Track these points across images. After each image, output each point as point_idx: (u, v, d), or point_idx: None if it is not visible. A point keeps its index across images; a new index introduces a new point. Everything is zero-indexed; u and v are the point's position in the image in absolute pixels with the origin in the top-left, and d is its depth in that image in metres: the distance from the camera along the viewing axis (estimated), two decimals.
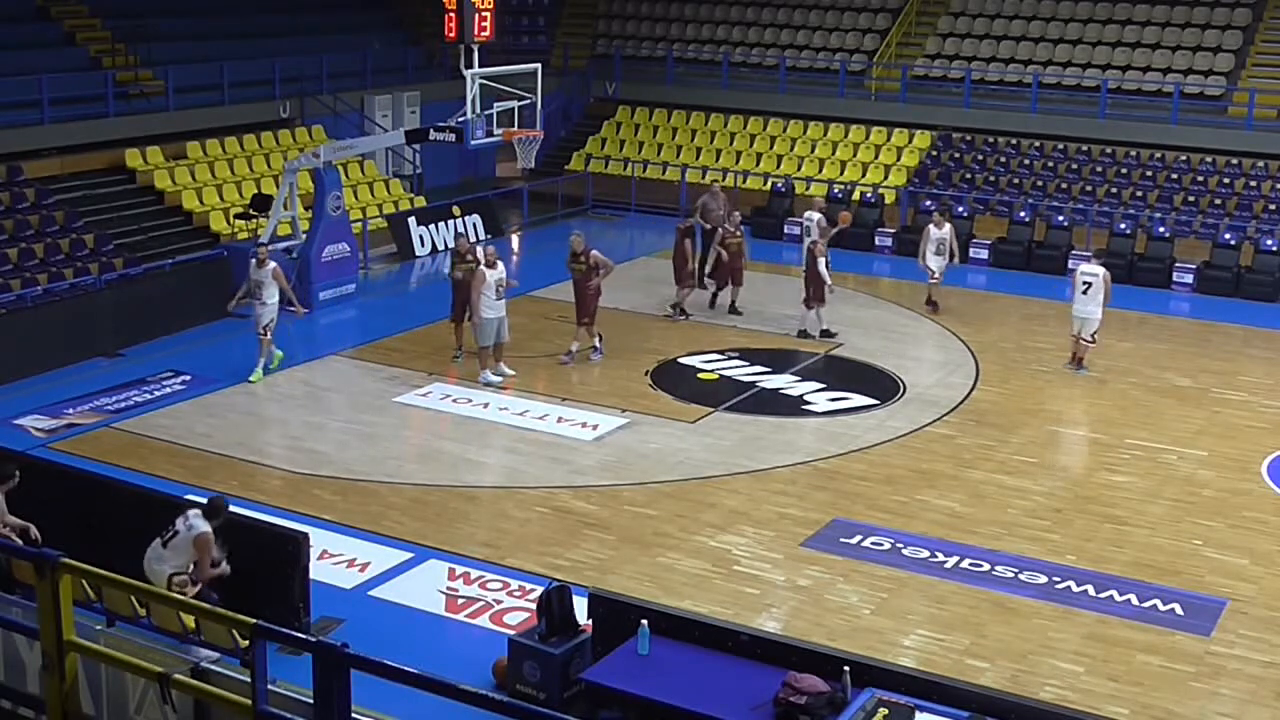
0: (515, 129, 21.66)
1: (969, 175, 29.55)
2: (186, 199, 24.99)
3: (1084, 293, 19.14)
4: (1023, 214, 26.66)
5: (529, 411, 17.42)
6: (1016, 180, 29.05)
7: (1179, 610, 12.48)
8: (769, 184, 29.40)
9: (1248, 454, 16.43)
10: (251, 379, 18.30)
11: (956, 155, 30.18)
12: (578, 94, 34.95)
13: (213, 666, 7.26)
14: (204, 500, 11.24)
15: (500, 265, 18.32)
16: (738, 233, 21.64)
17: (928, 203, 27.43)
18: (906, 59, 32.38)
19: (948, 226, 22.26)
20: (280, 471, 15.42)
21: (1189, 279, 24.43)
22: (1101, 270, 19.24)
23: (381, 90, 30.24)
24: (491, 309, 18.02)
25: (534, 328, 20.46)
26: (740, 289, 21.83)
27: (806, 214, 23.23)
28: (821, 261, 20.32)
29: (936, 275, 22.12)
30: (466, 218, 27.24)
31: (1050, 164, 29.30)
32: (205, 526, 10.68)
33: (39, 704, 7.27)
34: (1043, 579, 13.05)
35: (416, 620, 12.18)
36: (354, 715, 5.80)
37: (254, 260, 18.22)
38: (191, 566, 10.70)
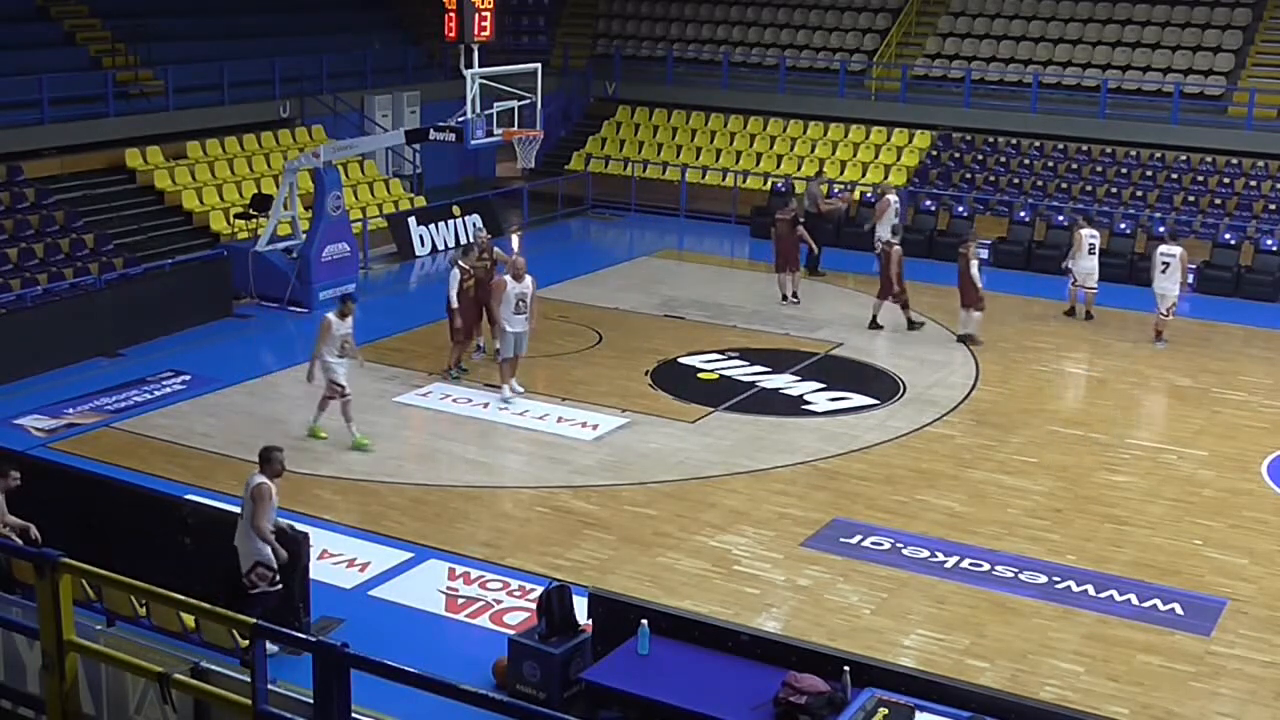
0: (515, 129, 21.63)
1: (969, 175, 29.52)
2: (186, 199, 24.98)
3: (1163, 272, 20.24)
4: (1023, 214, 26.65)
5: (529, 411, 17.41)
6: (1016, 180, 29.03)
7: (1179, 610, 12.48)
8: (769, 184, 29.40)
9: (1248, 454, 16.43)
10: (366, 443, 16.07)
11: (956, 155, 30.16)
12: (578, 94, 34.94)
13: (213, 666, 7.25)
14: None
15: (528, 279, 17.51)
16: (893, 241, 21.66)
17: (927, 202, 27.43)
18: (906, 59, 32.37)
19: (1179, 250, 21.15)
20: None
21: (1189, 279, 24.38)
22: (1180, 250, 20.40)
23: (381, 90, 30.23)
24: (510, 323, 17.41)
25: (533, 328, 20.38)
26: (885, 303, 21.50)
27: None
28: (975, 265, 20.54)
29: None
30: (466, 218, 27.23)
31: (1050, 164, 29.28)
32: (260, 478, 11.07)
33: (39, 704, 7.27)
34: (1043, 579, 13.04)
35: (416, 620, 12.18)
36: (354, 715, 5.80)
37: (335, 314, 16.00)
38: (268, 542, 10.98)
